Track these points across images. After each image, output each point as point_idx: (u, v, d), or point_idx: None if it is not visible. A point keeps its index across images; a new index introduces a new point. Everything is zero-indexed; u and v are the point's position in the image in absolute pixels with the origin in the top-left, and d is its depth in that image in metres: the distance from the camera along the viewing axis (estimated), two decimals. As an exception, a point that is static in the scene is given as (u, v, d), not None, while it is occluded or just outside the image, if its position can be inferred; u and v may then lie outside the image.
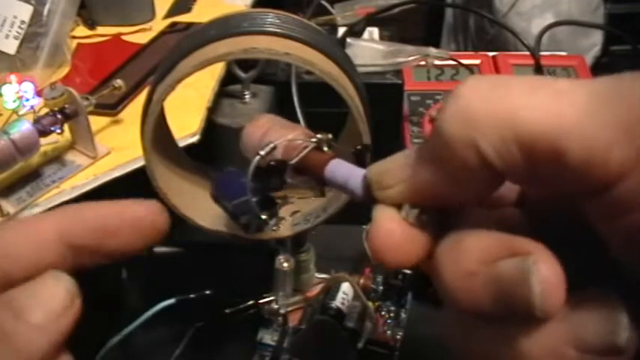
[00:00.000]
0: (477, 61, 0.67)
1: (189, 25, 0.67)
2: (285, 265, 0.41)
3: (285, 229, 0.32)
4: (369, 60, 0.58)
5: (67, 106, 0.45)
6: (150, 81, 0.30)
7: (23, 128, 0.42)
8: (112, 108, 0.52)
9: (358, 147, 0.28)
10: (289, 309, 0.45)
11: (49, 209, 0.42)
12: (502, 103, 0.17)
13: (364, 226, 0.21)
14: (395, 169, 0.20)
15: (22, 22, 0.56)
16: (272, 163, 0.26)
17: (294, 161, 0.26)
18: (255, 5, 0.73)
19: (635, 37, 0.67)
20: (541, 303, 0.16)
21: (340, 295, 0.43)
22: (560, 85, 0.17)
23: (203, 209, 0.31)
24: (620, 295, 0.17)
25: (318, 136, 0.26)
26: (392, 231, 0.20)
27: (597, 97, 0.16)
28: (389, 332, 0.45)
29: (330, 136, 0.27)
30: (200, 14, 0.70)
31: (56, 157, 0.47)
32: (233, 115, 0.54)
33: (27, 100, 0.46)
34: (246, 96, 0.56)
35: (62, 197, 0.44)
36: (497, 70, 0.67)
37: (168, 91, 0.28)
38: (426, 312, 0.46)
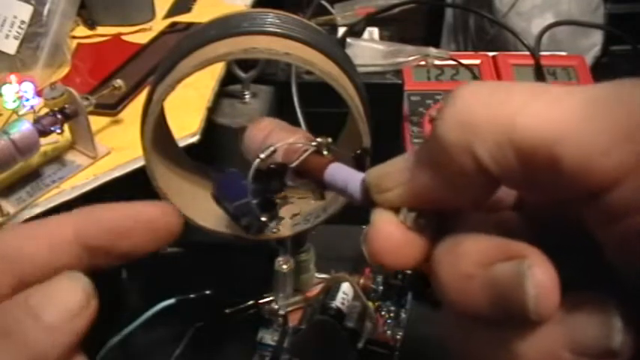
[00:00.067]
0: (477, 61, 0.67)
1: (189, 25, 0.67)
2: (285, 266, 0.41)
3: (285, 229, 0.32)
4: (369, 60, 0.58)
5: (67, 106, 0.45)
6: (150, 81, 0.30)
7: (23, 128, 0.42)
8: (112, 108, 0.52)
9: (358, 151, 0.28)
10: (289, 309, 0.45)
11: (49, 209, 0.42)
12: (498, 109, 0.17)
13: (364, 227, 0.21)
14: (393, 173, 0.20)
15: (22, 22, 0.56)
16: (272, 166, 0.27)
17: (294, 164, 0.26)
18: (255, 5, 0.73)
19: (635, 37, 0.67)
20: (535, 306, 0.17)
21: (340, 295, 0.43)
22: (558, 92, 0.17)
23: (203, 209, 0.31)
24: (616, 299, 0.17)
25: (318, 139, 0.27)
26: (390, 234, 0.20)
27: (595, 103, 0.16)
28: (389, 332, 0.45)
29: (329, 139, 0.27)
30: (200, 14, 0.70)
31: (56, 157, 0.47)
32: (233, 115, 0.54)
33: (27, 100, 0.46)
34: (246, 96, 0.56)
35: (62, 197, 0.44)
36: (497, 70, 0.67)
37: (168, 91, 0.28)
38: (426, 312, 0.46)
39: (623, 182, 0.16)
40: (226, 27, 0.29)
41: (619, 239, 0.16)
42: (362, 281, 0.47)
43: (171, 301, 0.43)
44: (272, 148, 0.27)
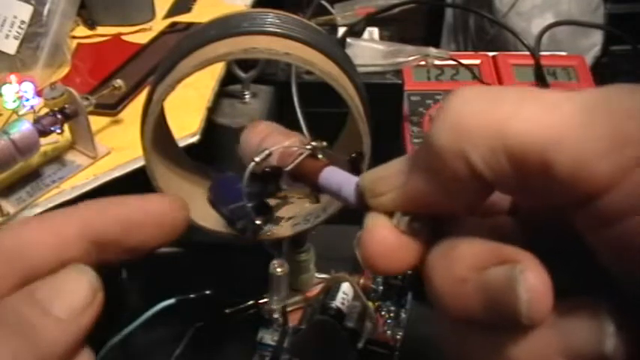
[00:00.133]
0: (477, 61, 0.67)
1: (189, 25, 0.67)
2: (279, 269, 0.41)
3: (285, 229, 0.32)
4: (369, 60, 0.58)
5: (67, 106, 0.45)
6: (150, 81, 0.30)
7: (23, 128, 0.42)
8: (112, 108, 0.52)
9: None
10: (289, 309, 0.45)
11: (49, 209, 0.42)
12: (492, 115, 0.17)
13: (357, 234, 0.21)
14: (387, 177, 0.20)
15: (22, 22, 0.56)
16: (267, 169, 0.27)
17: (289, 168, 0.26)
18: (255, 5, 0.73)
19: (635, 37, 0.67)
20: (527, 311, 0.17)
21: (340, 295, 0.43)
22: (551, 97, 0.17)
23: (203, 209, 0.31)
24: (609, 303, 0.17)
25: (313, 143, 0.27)
26: (383, 238, 0.20)
27: (587, 109, 0.16)
28: (389, 332, 0.45)
29: (324, 143, 0.27)
30: (200, 14, 0.70)
31: (56, 157, 0.47)
32: (233, 115, 0.54)
33: (27, 100, 0.46)
34: (246, 96, 0.56)
35: (62, 197, 0.44)
36: (497, 70, 0.67)
37: (168, 91, 0.28)
38: (426, 312, 0.45)
39: (615, 188, 0.16)
40: (226, 27, 0.29)
41: (611, 244, 0.17)
42: (362, 281, 0.47)
43: (171, 301, 0.43)
44: (267, 152, 0.27)
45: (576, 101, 0.17)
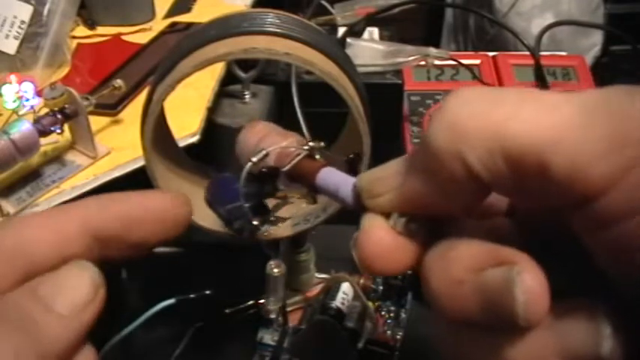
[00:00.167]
0: (477, 61, 0.67)
1: (189, 25, 0.67)
2: (276, 270, 0.41)
3: (285, 229, 0.32)
4: (369, 60, 0.58)
5: (67, 106, 0.45)
6: (150, 81, 0.30)
7: (23, 128, 0.42)
8: (112, 108, 0.52)
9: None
10: (289, 309, 0.45)
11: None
12: (489, 116, 0.17)
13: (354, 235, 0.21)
14: (385, 178, 0.20)
15: (22, 22, 0.56)
16: (264, 169, 0.27)
17: (286, 168, 0.26)
18: (255, 5, 0.73)
19: (635, 37, 0.67)
20: (524, 312, 0.17)
21: (340, 295, 0.43)
22: (549, 99, 0.17)
23: (203, 209, 0.31)
24: (606, 305, 0.17)
25: (311, 144, 0.27)
26: (380, 239, 0.20)
27: (585, 111, 0.16)
28: (389, 332, 0.45)
29: (322, 144, 0.27)
30: (200, 14, 0.70)
31: (56, 157, 0.47)
32: (233, 115, 0.54)
33: (27, 100, 0.46)
34: (246, 96, 0.56)
35: (62, 197, 0.44)
36: (497, 70, 0.67)
37: (168, 91, 0.28)
38: (426, 312, 0.45)
39: (612, 190, 0.16)
40: (226, 27, 0.29)
41: (608, 246, 0.17)
42: (362, 281, 0.47)
43: (171, 301, 0.43)
44: (264, 152, 0.27)
45: (574, 103, 0.17)
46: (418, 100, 0.63)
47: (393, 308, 0.46)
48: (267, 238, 0.32)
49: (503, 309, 0.17)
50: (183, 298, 0.43)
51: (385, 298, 0.47)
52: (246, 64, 0.55)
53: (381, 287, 0.48)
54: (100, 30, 0.68)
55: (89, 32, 0.67)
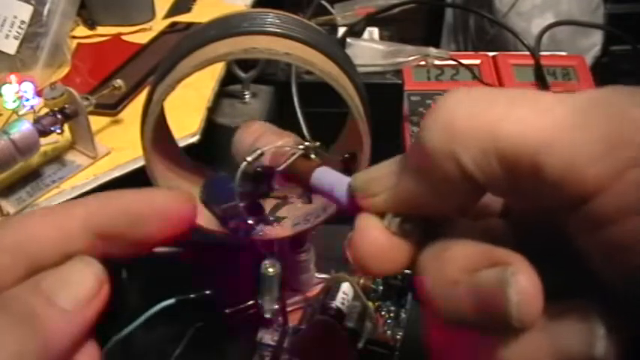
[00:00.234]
0: (477, 61, 0.67)
1: (189, 25, 0.67)
2: (271, 270, 0.41)
3: (285, 229, 0.32)
4: (369, 60, 0.58)
5: (67, 106, 0.45)
6: (150, 81, 0.30)
7: (23, 128, 0.42)
8: (112, 108, 0.52)
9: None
10: (289, 309, 0.45)
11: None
12: (483, 117, 0.17)
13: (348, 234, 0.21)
14: (379, 178, 0.20)
15: (22, 22, 0.56)
16: (259, 169, 0.27)
17: (281, 168, 0.26)
18: (255, 5, 0.73)
19: (635, 37, 0.67)
20: (518, 313, 0.17)
21: (340, 295, 0.43)
22: (543, 100, 0.17)
23: (203, 209, 0.31)
24: (600, 306, 0.17)
25: (306, 143, 0.27)
26: (374, 239, 0.20)
27: (579, 112, 0.16)
28: (389, 332, 0.45)
29: (317, 144, 0.27)
30: (200, 14, 0.70)
31: (56, 157, 0.47)
32: (233, 115, 0.54)
33: (27, 100, 0.46)
34: (246, 96, 0.56)
35: (62, 197, 0.44)
36: (497, 70, 0.67)
37: (168, 91, 0.28)
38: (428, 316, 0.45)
39: (606, 191, 0.16)
40: (226, 27, 0.29)
41: (602, 247, 0.17)
42: (362, 281, 0.47)
43: (171, 301, 0.42)
44: (259, 151, 0.27)
45: (569, 104, 0.16)
46: (418, 100, 0.63)
47: (393, 308, 0.46)
48: (269, 238, 0.32)
49: (496, 310, 0.17)
50: (183, 298, 0.43)
51: (385, 298, 0.47)
52: (246, 64, 0.55)
53: (381, 287, 0.48)
54: (100, 30, 0.68)
55: (89, 32, 0.67)
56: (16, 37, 0.56)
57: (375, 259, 0.20)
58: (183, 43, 0.30)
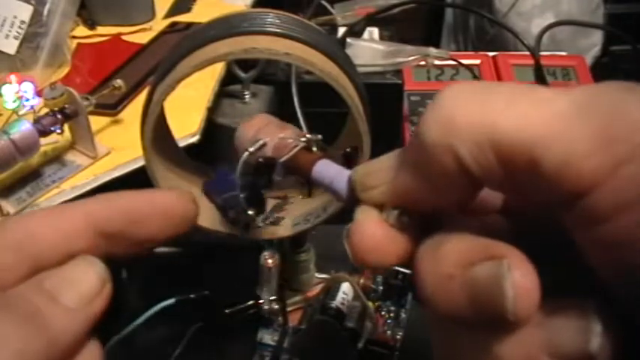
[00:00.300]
0: (477, 61, 0.67)
1: (189, 25, 0.67)
2: (270, 261, 0.41)
3: (285, 229, 0.32)
4: (369, 60, 0.58)
5: (67, 106, 0.45)
6: (150, 81, 0.30)
7: (23, 128, 0.42)
8: (112, 108, 0.52)
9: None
10: (289, 309, 0.45)
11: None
12: (481, 110, 0.17)
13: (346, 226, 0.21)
14: (379, 171, 0.20)
15: (22, 22, 0.56)
16: (261, 159, 0.27)
17: (282, 159, 0.26)
18: (255, 5, 0.73)
19: (635, 37, 0.67)
20: (513, 307, 0.16)
21: (340, 295, 0.43)
22: (541, 94, 0.17)
23: (203, 209, 0.31)
24: (597, 303, 0.17)
25: (308, 136, 0.27)
26: (372, 231, 0.20)
27: (577, 107, 0.16)
28: (389, 332, 0.45)
29: (319, 137, 0.27)
30: (200, 14, 0.70)
31: (56, 157, 0.47)
32: (233, 115, 0.54)
33: (27, 100, 0.46)
34: (246, 96, 0.56)
35: (62, 197, 0.44)
36: (497, 70, 0.67)
37: (168, 91, 0.28)
38: (426, 312, 0.45)
39: (602, 186, 0.16)
40: (226, 27, 0.29)
41: (598, 243, 0.17)
42: (362, 281, 0.47)
43: (171, 301, 0.43)
44: (261, 142, 0.27)
45: (565, 99, 0.17)
46: (418, 100, 0.63)
47: (393, 308, 0.46)
48: (268, 238, 0.32)
49: (492, 304, 0.17)
50: (183, 298, 0.43)
51: (385, 298, 0.47)
52: (246, 64, 0.55)
53: (381, 287, 0.48)
54: (100, 30, 0.68)
55: (89, 32, 0.67)
56: (16, 37, 0.56)
57: (372, 250, 0.20)
58: (183, 43, 0.30)
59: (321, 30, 0.31)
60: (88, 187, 0.44)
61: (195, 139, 0.47)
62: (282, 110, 0.57)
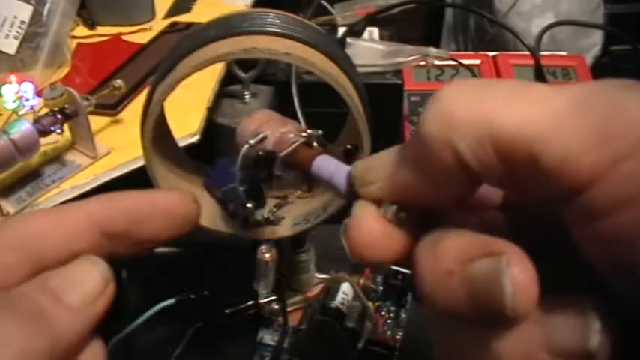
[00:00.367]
0: (477, 61, 0.67)
1: (189, 25, 0.67)
2: (267, 255, 0.41)
3: (285, 229, 0.32)
4: (369, 60, 0.58)
5: (67, 106, 0.45)
6: (150, 81, 0.30)
7: (23, 128, 0.42)
8: (112, 108, 0.52)
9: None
10: (289, 309, 0.45)
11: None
12: (481, 106, 0.17)
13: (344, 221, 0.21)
14: (378, 167, 0.21)
15: (22, 22, 0.56)
16: (261, 153, 0.27)
17: (282, 154, 0.26)
18: (255, 5, 0.73)
19: (635, 37, 0.67)
20: (512, 303, 0.16)
21: (340, 295, 0.43)
22: (540, 91, 0.17)
23: (203, 209, 0.31)
24: (596, 300, 0.17)
25: (309, 131, 0.27)
26: (370, 226, 0.20)
27: (575, 104, 0.16)
28: (389, 332, 0.45)
29: (320, 132, 0.27)
30: (200, 14, 0.70)
31: (56, 157, 0.47)
32: (233, 115, 0.54)
33: (27, 100, 0.46)
34: (246, 96, 0.56)
35: (62, 197, 0.44)
36: (497, 70, 0.67)
37: (168, 91, 0.28)
38: (426, 309, 0.45)
39: (600, 182, 0.16)
40: (226, 27, 0.29)
41: (596, 239, 0.17)
42: (362, 281, 0.47)
43: (171, 301, 0.42)
44: (261, 135, 0.27)
45: (564, 95, 0.17)
46: (418, 100, 0.63)
47: (393, 308, 0.46)
48: (268, 237, 0.32)
49: (491, 300, 0.17)
50: (183, 298, 0.43)
51: (385, 298, 0.47)
52: (246, 64, 0.55)
53: (381, 287, 0.48)
54: (100, 30, 0.68)
55: (89, 32, 0.67)
56: (16, 37, 0.56)
57: (370, 246, 0.20)
58: (183, 43, 0.30)
59: (321, 30, 0.31)
60: (88, 187, 0.44)
61: (195, 139, 0.47)
62: (282, 110, 0.57)
